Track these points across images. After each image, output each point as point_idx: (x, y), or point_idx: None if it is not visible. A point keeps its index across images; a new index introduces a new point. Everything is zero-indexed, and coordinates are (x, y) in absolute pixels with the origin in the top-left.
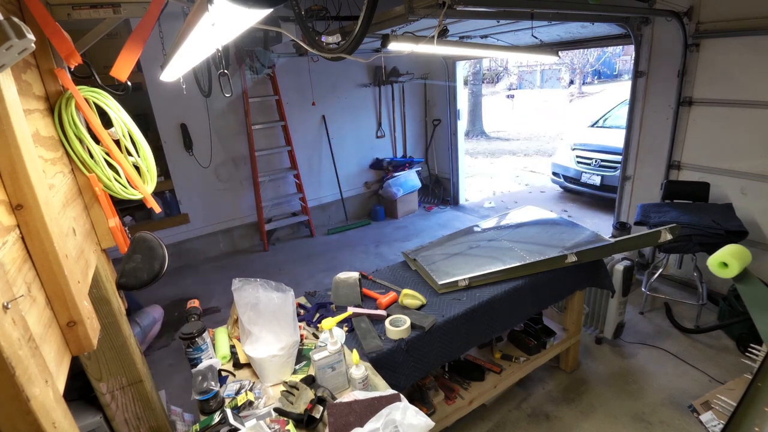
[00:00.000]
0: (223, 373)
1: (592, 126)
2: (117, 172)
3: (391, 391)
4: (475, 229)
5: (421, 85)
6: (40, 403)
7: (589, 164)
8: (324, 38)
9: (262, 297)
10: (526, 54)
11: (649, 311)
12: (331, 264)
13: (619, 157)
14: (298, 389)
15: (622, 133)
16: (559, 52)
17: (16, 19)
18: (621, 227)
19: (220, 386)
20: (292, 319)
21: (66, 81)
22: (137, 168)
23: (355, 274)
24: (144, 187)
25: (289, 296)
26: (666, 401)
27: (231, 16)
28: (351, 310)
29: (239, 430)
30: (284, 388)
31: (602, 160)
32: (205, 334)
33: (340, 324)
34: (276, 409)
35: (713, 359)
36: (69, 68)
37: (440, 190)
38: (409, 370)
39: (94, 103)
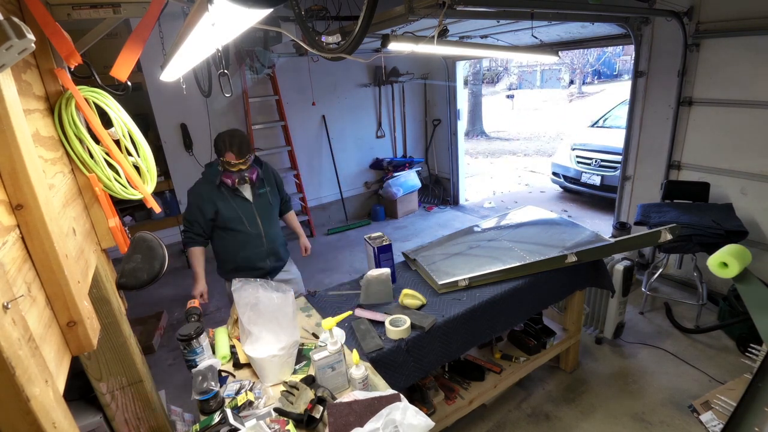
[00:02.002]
0: (223, 373)
1: (592, 126)
2: (117, 172)
3: (391, 391)
4: (475, 229)
5: (421, 85)
6: (40, 403)
7: (589, 164)
8: (324, 38)
9: (262, 297)
10: (526, 54)
11: (649, 311)
12: (331, 264)
13: (619, 157)
14: (298, 389)
15: (622, 133)
16: (559, 52)
17: (16, 19)
18: (621, 227)
19: (220, 386)
20: (292, 319)
21: (66, 81)
22: (137, 168)
23: (386, 270)
24: (144, 187)
25: (289, 296)
26: (666, 401)
27: (231, 16)
28: (351, 310)
29: (239, 430)
30: (284, 388)
31: (602, 160)
32: (203, 337)
33: (340, 324)
34: (276, 409)
35: (713, 359)
36: (69, 68)
37: (440, 190)
38: (409, 370)
39: (94, 103)
